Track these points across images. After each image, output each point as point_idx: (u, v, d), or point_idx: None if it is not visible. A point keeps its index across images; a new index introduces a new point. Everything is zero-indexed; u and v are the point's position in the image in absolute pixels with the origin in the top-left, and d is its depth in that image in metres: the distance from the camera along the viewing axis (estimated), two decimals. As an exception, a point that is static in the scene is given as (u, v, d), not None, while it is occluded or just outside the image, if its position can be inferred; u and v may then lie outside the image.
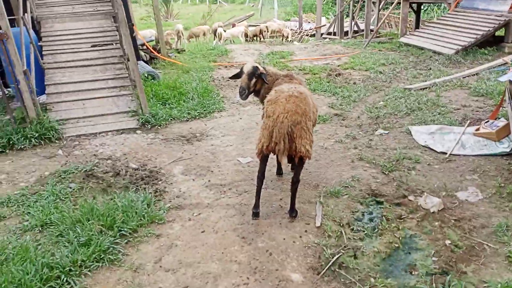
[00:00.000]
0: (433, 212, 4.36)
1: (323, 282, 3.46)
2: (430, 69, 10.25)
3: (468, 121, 6.49)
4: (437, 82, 8.76)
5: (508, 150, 5.47)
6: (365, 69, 10.70)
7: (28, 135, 6.41)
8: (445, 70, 10.01)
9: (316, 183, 5.08)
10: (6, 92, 8.16)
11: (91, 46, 8.91)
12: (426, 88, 8.64)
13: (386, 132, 6.56)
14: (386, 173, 5.22)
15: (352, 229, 4.19)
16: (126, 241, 4.04)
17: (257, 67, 4.75)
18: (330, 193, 4.79)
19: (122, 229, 4.13)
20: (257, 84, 4.81)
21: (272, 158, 4.74)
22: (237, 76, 4.97)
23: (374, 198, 4.73)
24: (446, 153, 5.65)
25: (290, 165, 5.41)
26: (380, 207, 4.56)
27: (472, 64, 10.48)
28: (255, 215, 4.37)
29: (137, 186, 5.15)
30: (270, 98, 4.17)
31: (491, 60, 10.62)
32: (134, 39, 10.30)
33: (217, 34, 19.47)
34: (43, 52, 8.50)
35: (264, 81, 4.75)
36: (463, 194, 4.67)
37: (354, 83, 9.50)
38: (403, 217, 4.34)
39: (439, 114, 7.06)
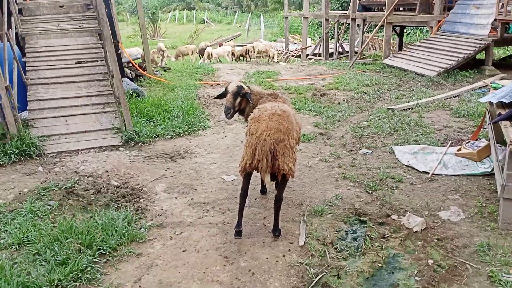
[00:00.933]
0: (416, 232, 4.36)
1: (306, 303, 3.40)
2: (413, 90, 10.44)
3: (450, 142, 6.59)
4: (419, 103, 8.92)
5: (489, 170, 5.54)
6: (350, 90, 10.84)
7: (8, 151, 6.29)
8: (427, 91, 10.21)
9: (300, 201, 5.06)
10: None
11: (76, 63, 8.85)
12: (409, 108, 8.78)
13: (370, 151, 6.62)
14: (370, 192, 5.23)
15: (336, 248, 4.16)
16: (105, 260, 3.94)
17: (241, 86, 4.78)
18: (314, 212, 4.77)
19: (101, 247, 4.03)
20: (242, 103, 4.83)
21: (256, 176, 4.73)
22: (222, 96, 4.98)
23: (357, 217, 4.73)
24: (428, 173, 5.71)
25: (274, 183, 5.40)
26: (363, 226, 4.55)
27: (454, 86, 10.72)
28: (238, 233, 4.32)
29: (118, 204, 5.05)
30: (254, 116, 4.19)
31: (472, 82, 10.89)
32: (119, 56, 10.29)
33: (205, 53, 19.59)
34: (27, 68, 8.42)
35: (249, 100, 4.77)
36: (445, 213, 4.70)
37: (339, 103, 9.60)
38: (386, 236, 4.33)
39: (421, 134, 7.16)
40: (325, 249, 4.10)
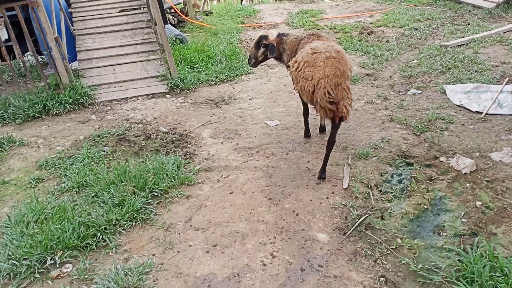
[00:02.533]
0: (465, 174, 4.25)
1: (349, 242, 3.49)
2: (469, 24, 9.70)
3: (507, 79, 6.17)
4: (475, 38, 8.30)
5: (549, 108, 5.19)
6: (399, 26, 10.26)
7: (63, 101, 6.61)
8: (484, 25, 9.45)
9: (345, 145, 5.03)
10: (40, 59, 8.39)
11: (119, 11, 8.93)
12: (464, 44, 8.21)
13: (419, 92, 6.35)
14: (418, 134, 5.09)
15: (380, 191, 4.16)
16: (157, 201, 4.19)
17: (265, 36, 4.83)
18: (359, 155, 4.75)
19: (153, 190, 4.27)
20: (266, 53, 4.91)
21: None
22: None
23: (404, 160, 4.65)
24: (481, 113, 5.44)
25: (319, 127, 5.39)
26: (410, 169, 4.49)
27: (515, 17, 9.84)
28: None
29: (167, 149, 5.27)
30: (307, 60, 4.05)
31: (537, 12, 9.93)
32: (161, 3, 10.21)
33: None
34: (73, 19, 8.62)
35: (269, 53, 4.82)
36: (498, 154, 4.52)
37: (387, 41, 9.15)
38: (433, 178, 4.26)
39: (476, 72, 6.74)
40: (369, 192, 4.11)
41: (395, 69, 7.46)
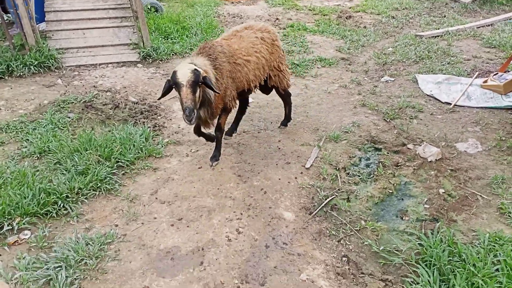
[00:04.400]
0: (430, 161, 4.35)
1: (314, 222, 3.52)
2: (445, 16, 9.84)
3: (477, 73, 6.32)
4: (450, 31, 8.44)
5: (514, 104, 5.36)
6: (377, 13, 10.29)
7: (27, 63, 6.30)
8: (459, 18, 9.62)
9: (316, 127, 5.04)
10: (6, 18, 7.92)
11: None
12: (438, 36, 8.33)
13: (392, 79, 6.42)
14: (388, 120, 5.16)
15: (348, 174, 4.21)
16: (123, 172, 4.08)
17: (196, 69, 3.43)
18: (329, 138, 4.77)
19: (119, 160, 4.16)
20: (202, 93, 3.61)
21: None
22: (168, 92, 3.64)
23: (373, 145, 4.71)
24: (450, 104, 5.56)
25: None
26: (378, 154, 4.55)
27: (488, 14, 10.05)
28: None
29: (136, 119, 5.12)
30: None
31: (508, 11, 10.17)
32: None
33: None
34: (43, -23, 8.14)
35: (212, 88, 3.55)
36: (463, 145, 4.64)
37: (365, 27, 9.17)
38: (400, 164, 4.34)
39: (448, 63, 6.86)
40: (337, 174, 4.15)
41: (370, 55, 7.49)
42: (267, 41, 4.39)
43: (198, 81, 3.40)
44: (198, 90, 3.46)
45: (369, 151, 4.62)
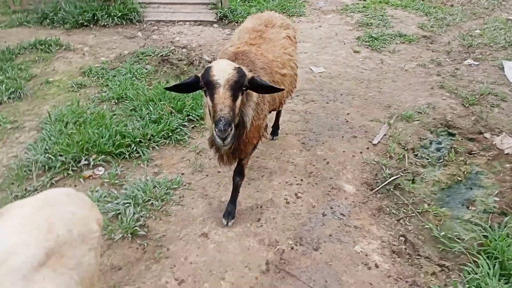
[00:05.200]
0: (507, 154, 4.07)
1: (375, 198, 3.47)
2: (546, 1, 8.95)
3: None
4: (550, 17, 7.68)
5: None
6: (468, -8, 9.56)
7: (112, 13, 6.60)
8: None
9: (388, 104, 4.88)
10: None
11: None
12: (535, 22, 7.62)
13: (476, 63, 6.00)
14: (466, 105, 4.87)
15: (416, 155, 4.06)
16: (192, 125, 4.23)
17: (241, 68, 2.41)
18: (401, 116, 4.60)
19: (190, 114, 4.30)
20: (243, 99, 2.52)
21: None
22: (187, 89, 2.57)
23: (446, 129, 4.49)
24: (539, 96, 5.12)
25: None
26: (451, 139, 4.34)
27: None
28: None
29: (208, 77, 5.23)
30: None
31: None
32: None
33: None
34: None
35: (272, 87, 2.52)
36: (548, 141, 4.29)
37: (452, 5, 8.58)
38: (473, 152, 4.11)
39: (542, 52, 6.29)
40: (405, 154, 4.02)
41: (455, 35, 7.03)
42: (292, 40, 3.60)
43: (243, 84, 2.36)
44: (240, 97, 2.40)
45: (441, 135, 4.41)
